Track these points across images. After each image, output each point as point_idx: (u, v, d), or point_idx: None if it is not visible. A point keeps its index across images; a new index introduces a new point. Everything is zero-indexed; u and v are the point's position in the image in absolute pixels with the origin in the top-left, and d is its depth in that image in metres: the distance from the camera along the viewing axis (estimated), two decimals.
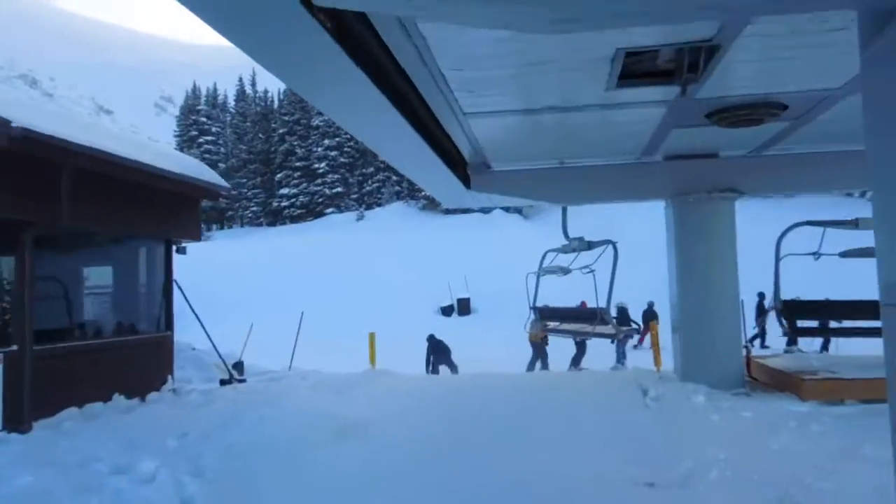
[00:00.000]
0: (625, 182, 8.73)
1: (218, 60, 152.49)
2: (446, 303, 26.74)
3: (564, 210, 10.46)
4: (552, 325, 10.75)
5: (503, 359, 20.63)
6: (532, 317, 12.85)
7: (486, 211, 37.94)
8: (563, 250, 9.89)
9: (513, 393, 8.42)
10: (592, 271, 8.93)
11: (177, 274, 10.37)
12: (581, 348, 17.16)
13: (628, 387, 8.00)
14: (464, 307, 26.60)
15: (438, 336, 16.91)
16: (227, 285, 27.35)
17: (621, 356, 17.56)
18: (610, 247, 8.55)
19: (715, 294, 8.47)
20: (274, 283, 28.15)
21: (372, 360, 12.43)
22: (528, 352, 18.90)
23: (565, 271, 9.87)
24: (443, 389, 9.02)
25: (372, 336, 12.89)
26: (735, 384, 8.12)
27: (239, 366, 11.90)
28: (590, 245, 9.34)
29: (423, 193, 40.55)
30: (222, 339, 12.21)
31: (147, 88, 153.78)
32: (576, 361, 17.27)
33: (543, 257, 10.59)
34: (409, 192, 42.73)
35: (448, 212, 38.89)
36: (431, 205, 40.21)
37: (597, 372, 10.96)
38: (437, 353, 16.27)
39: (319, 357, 14.18)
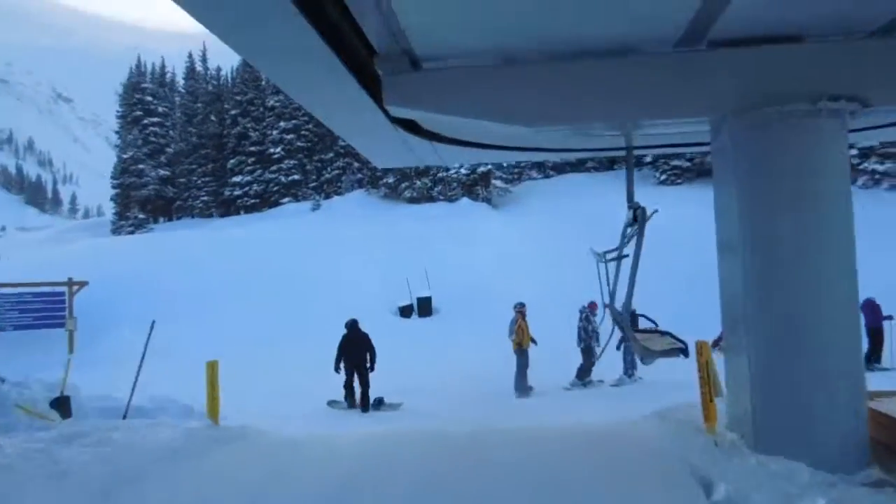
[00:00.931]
0: (652, 87, 5.00)
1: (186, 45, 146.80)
2: (405, 302, 22.94)
3: (630, 166, 7.50)
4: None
5: (468, 369, 16.94)
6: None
7: (451, 200, 34.20)
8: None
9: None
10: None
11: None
12: (588, 355, 13.70)
13: (672, 474, 4.29)
14: (424, 308, 22.92)
15: (362, 326, 13.03)
16: (145, 287, 23.26)
17: (629, 367, 14.01)
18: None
19: (817, 291, 4.84)
20: (198, 283, 24.10)
21: (212, 411, 7.66)
22: (499, 360, 15.33)
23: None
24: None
25: (213, 368, 7.70)
26: (859, 460, 4.52)
27: (62, 403, 7.97)
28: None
29: (385, 181, 36.68)
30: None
31: (112, 75, 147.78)
32: (582, 373, 13.66)
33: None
34: (371, 179, 38.83)
35: (412, 200, 35.09)
36: (393, 193, 36.37)
37: (615, 427, 6.94)
38: (352, 348, 12.48)
39: (238, 381, 10.15)
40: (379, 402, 12.20)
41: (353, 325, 12.98)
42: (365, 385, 12.29)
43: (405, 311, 23.02)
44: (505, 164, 37.94)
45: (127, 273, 24.71)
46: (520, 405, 12.93)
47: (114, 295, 22.79)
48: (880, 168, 34.05)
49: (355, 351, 12.44)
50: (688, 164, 37.70)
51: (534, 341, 14.05)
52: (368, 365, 12.41)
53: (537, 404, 12.89)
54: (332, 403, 12.47)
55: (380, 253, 27.17)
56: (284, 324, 21.97)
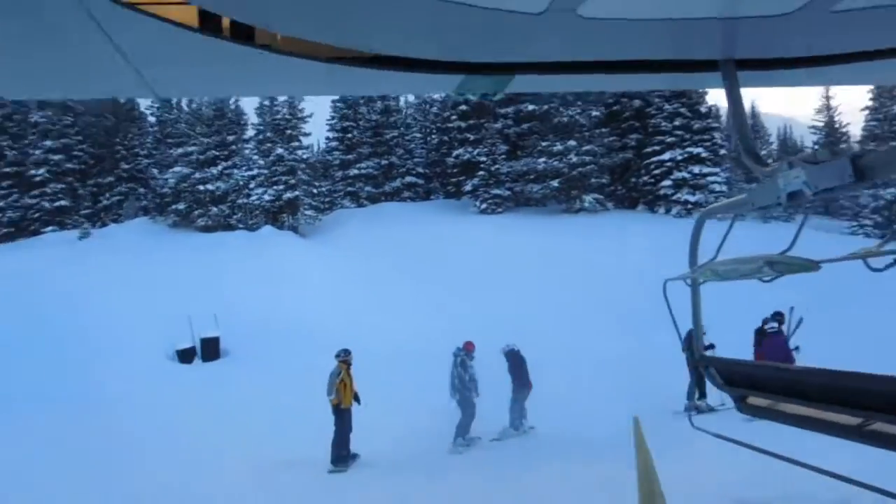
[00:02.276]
0: None
1: None
2: (186, 345, 18.52)
3: None
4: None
5: (257, 426, 13.17)
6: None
7: (252, 228, 30.09)
8: None
9: None
10: None
11: None
12: (467, 407, 11.27)
13: None
14: (211, 349, 18.65)
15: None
16: None
17: (517, 417, 11.91)
18: None
19: None
20: None
21: None
22: (308, 412, 11.93)
23: None
24: None
25: None
26: None
27: None
28: None
29: (175, 206, 31.65)
30: None
31: None
32: (462, 429, 11.35)
33: None
34: (158, 206, 33.53)
35: (206, 228, 30.44)
36: (184, 220, 31.43)
37: None
38: None
39: None
40: None
41: None
42: None
43: (186, 356, 18.59)
44: (315, 191, 34.48)
45: None
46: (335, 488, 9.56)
47: None
48: (692, 199, 34.96)
49: None
50: (508, 192, 36.61)
51: (357, 399, 10.82)
52: None
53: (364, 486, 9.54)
54: None
55: (160, 289, 22.40)
56: (23, 376, 16.74)
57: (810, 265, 2.80)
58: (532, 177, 36.52)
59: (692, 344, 4.49)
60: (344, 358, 10.75)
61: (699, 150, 35.80)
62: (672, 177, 35.76)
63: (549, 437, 11.26)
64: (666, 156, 35.98)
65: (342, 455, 10.44)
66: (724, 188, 36.35)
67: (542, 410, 11.78)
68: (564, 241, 29.39)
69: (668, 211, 35.65)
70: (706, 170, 35.57)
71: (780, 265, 2.93)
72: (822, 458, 3.08)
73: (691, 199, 35.23)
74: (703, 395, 11.82)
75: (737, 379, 3.71)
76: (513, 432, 11.43)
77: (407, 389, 15.28)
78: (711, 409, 12.10)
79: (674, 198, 35.60)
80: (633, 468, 6.24)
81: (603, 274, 25.24)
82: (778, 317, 12.27)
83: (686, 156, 35.66)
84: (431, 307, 22.40)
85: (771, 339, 11.30)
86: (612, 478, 7.52)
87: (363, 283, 23.69)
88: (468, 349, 11.29)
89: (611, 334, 20.12)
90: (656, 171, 36.74)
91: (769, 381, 3.42)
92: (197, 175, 31.43)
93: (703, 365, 4.07)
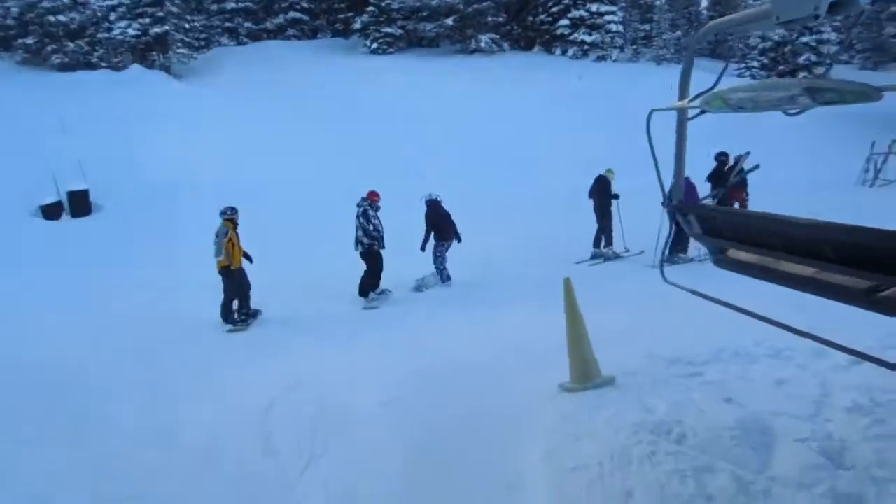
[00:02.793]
0: None
1: None
2: (51, 199, 16.74)
3: None
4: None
5: (139, 286, 12.18)
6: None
7: (118, 68, 27.03)
8: None
9: None
10: None
11: None
12: (375, 260, 10.75)
13: None
14: (80, 204, 16.96)
15: None
16: None
17: (441, 268, 11.53)
18: None
19: None
20: None
21: None
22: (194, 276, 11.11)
23: None
24: None
25: None
26: None
27: None
28: None
29: (23, 41, 27.67)
30: None
31: None
32: (366, 288, 10.91)
33: None
34: (2, 40, 29.24)
35: (64, 67, 27.05)
36: (36, 58, 27.69)
37: None
38: None
39: None
40: None
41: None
42: None
43: (51, 211, 16.81)
44: (188, 26, 31.07)
45: None
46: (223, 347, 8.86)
47: None
48: (588, 39, 34.21)
49: None
50: (400, 31, 34.50)
51: (248, 258, 9.94)
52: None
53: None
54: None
55: (14, 135, 19.83)
56: None
57: (870, 92, 2.14)
58: (425, 14, 34.40)
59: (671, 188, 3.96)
60: (230, 216, 9.73)
61: None
62: (569, 15, 34.67)
63: (470, 285, 11.03)
64: None
65: (244, 314, 9.77)
66: (621, 28, 35.76)
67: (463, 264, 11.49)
68: (460, 82, 28.27)
69: (564, 52, 34.87)
70: (604, 8, 34.64)
71: (828, 93, 2.26)
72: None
73: (588, 39, 34.50)
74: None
75: (720, 229, 3.19)
76: (433, 281, 11.11)
77: (306, 243, 14.54)
78: (617, 257, 12.13)
79: (571, 38, 34.73)
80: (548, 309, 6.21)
81: (503, 119, 24.63)
82: (721, 157, 12.06)
83: None
84: (322, 154, 21.21)
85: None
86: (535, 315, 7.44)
87: (248, 130, 21.94)
88: (372, 199, 10.53)
89: (511, 181, 19.88)
90: (554, 9, 35.48)
91: (762, 234, 2.90)
92: (45, 4, 27.32)
93: (681, 212, 3.57)
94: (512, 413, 4.98)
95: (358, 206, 10.48)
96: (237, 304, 9.80)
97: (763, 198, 11.30)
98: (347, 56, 32.66)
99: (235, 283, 9.65)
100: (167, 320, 9.87)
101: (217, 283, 9.85)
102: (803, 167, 19.78)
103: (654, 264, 11.02)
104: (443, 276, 11.29)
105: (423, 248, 11.39)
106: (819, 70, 34.25)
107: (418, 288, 11.03)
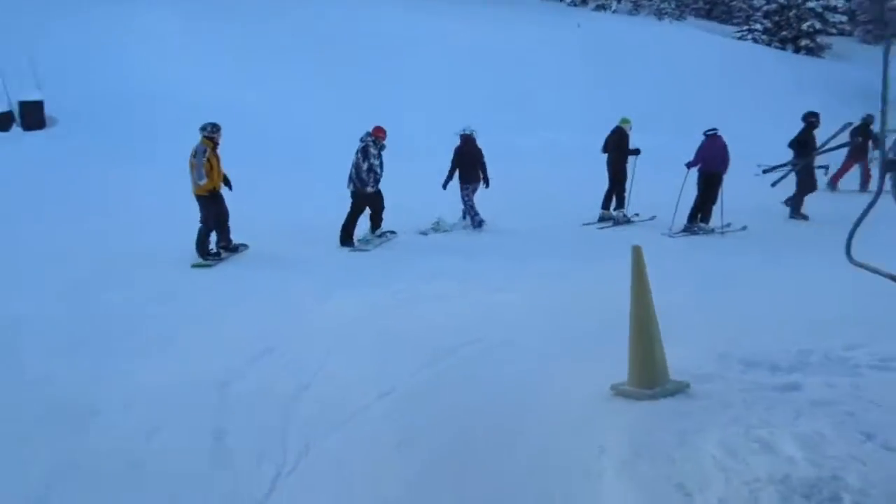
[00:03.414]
0: None
1: None
2: (0, 108, 15.09)
3: None
4: None
5: (98, 212, 10.82)
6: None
7: None
8: None
9: None
10: None
11: None
12: (375, 200, 9.91)
13: None
14: (33, 116, 15.31)
15: None
16: None
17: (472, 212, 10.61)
18: None
19: None
20: None
21: None
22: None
23: None
24: None
25: None
26: None
27: None
28: None
29: None
30: None
31: None
32: (375, 226, 10.00)
33: None
34: None
35: None
36: None
37: None
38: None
39: None
40: None
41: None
42: None
43: (0, 122, 15.12)
44: None
45: None
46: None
47: None
48: None
49: None
50: None
51: (227, 184, 8.68)
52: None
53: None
54: None
55: None
56: None
57: None
58: None
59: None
60: (210, 134, 8.41)
61: None
62: None
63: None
64: None
65: (224, 247, 8.59)
66: None
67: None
68: (455, 20, 26.56)
69: None
70: None
71: None
72: None
73: None
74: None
75: None
76: (451, 225, 10.25)
77: (295, 177, 13.24)
78: (627, 221, 11.06)
79: None
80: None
81: (497, 67, 23.10)
82: (811, 118, 11.00)
83: None
84: (309, 84, 19.57)
85: (712, 140, 10.10)
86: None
87: (226, 46, 20.05)
88: (377, 135, 9.36)
89: (510, 128, 18.55)
90: None
91: None
92: None
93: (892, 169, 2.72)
94: (552, 426, 3.83)
95: (361, 140, 9.30)
96: (216, 236, 8.59)
97: None
98: None
99: (215, 210, 8.41)
100: (120, 256, 8.54)
101: (186, 212, 8.58)
102: None
103: (671, 233, 10.04)
104: (475, 220, 10.33)
105: (444, 186, 10.52)
106: (821, 39, 33.22)
107: (426, 232, 10.09)
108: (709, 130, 10.26)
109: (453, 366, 4.95)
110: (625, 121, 11.08)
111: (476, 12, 27.79)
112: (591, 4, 32.64)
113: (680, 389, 3.98)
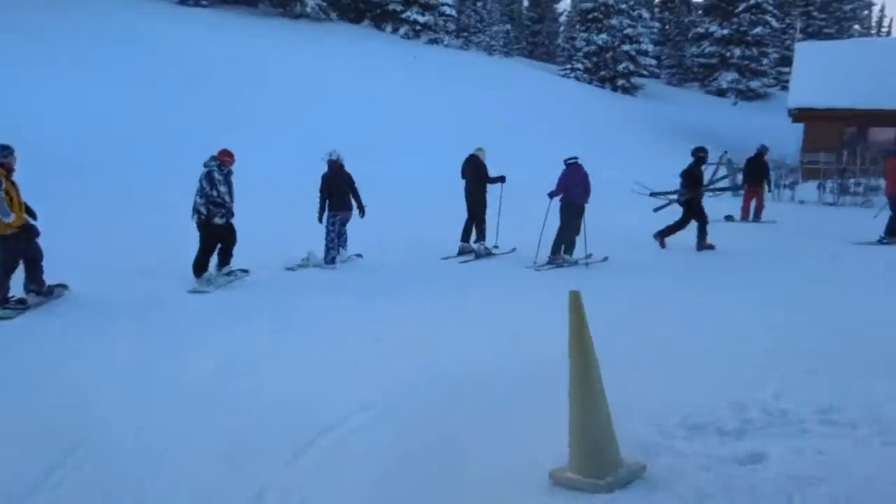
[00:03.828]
0: None
1: None
2: None
3: None
4: None
5: None
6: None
7: None
8: None
9: None
10: None
11: None
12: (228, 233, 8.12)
13: None
14: None
15: None
16: None
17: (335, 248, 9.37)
18: None
19: None
20: None
21: None
22: None
23: None
24: None
25: None
26: None
27: None
28: None
29: None
30: None
31: None
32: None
33: None
34: None
35: None
36: None
37: None
38: None
39: None
40: None
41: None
42: None
43: None
44: None
45: None
46: None
47: None
48: (421, 19, 32.56)
49: None
50: None
51: (31, 214, 6.87)
52: None
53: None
54: None
55: None
56: None
57: None
58: None
59: None
60: (2, 160, 6.61)
61: None
62: None
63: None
64: None
65: (34, 290, 6.77)
66: (454, 12, 34.67)
67: None
68: (286, 49, 25.35)
69: (395, 30, 32.98)
70: None
71: None
72: None
73: (420, 19, 32.92)
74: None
75: None
76: (320, 261, 9.19)
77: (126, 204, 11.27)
78: (489, 254, 10.38)
79: (403, 16, 32.92)
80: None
81: (337, 98, 22.19)
82: (700, 153, 10.91)
83: None
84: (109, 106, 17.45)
85: (573, 169, 9.69)
86: None
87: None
88: (223, 160, 8.00)
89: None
90: None
91: None
92: None
93: None
94: None
95: (205, 165, 7.90)
96: (25, 277, 6.76)
97: None
98: (154, 7, 28.12)
99: (13, 249, 6.61)
100: None
101: None
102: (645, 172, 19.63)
103: (536, 266, 9.48)
104: (328, 254, 9.13)
105: (320, 219, 9.33)
106: (635, 79, 35.67)
107: (293, 268, 8.88)
108: (569, 159, 9.89)
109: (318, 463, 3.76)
110: (480, 150, 10.52)
111: (323, 49, 26.85)
112: (424, 38, 32.73)
113: (637, 475, 3.12)
